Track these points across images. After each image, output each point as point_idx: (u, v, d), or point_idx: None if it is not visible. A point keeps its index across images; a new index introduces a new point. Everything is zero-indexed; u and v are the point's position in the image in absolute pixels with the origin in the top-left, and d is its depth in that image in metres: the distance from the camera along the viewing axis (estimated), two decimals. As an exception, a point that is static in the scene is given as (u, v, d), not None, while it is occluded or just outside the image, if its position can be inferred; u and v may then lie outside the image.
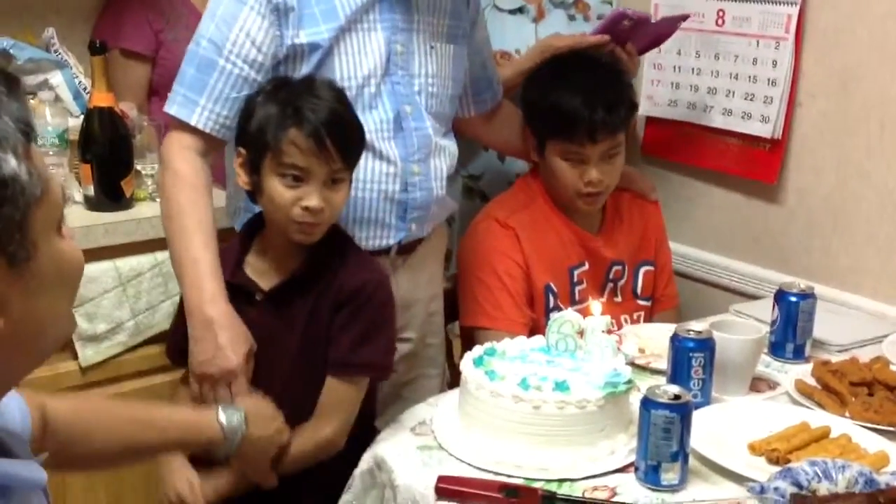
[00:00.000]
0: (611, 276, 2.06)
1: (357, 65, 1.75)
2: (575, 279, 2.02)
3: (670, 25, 2.19)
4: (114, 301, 1.99)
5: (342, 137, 1.57)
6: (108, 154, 2.06)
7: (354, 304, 1.64)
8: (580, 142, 1.91)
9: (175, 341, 1.74)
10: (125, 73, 2.48)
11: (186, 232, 1.67)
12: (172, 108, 1.74)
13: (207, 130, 1.71)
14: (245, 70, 1.70)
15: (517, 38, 2.17)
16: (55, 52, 2.29)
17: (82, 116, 2.11)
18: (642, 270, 2.10)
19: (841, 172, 2.14)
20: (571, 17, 2.28)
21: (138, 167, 2.14)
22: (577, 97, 1.89)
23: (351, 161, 1.62)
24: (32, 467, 0.91)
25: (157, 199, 2.10)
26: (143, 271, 2.03)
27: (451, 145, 1.91)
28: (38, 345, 0.90)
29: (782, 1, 2.17)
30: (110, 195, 2.07)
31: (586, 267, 2.02)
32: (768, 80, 2.21)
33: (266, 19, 1.69)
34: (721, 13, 2.28)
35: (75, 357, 1.99)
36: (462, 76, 1.94)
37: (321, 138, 1.54)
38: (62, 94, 2.23)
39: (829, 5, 2.11)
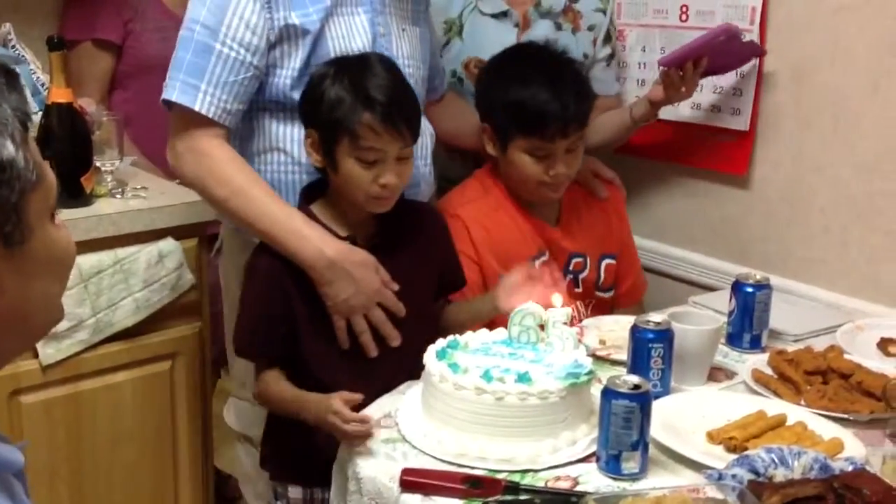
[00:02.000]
0: (571, 267, 2.06)
1: (348, 46, 1.78)
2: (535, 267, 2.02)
3: (752, 51, 2.15)
4: (74, 298, 1.97)
5: (410, 116, 1.68)
6: (68, 150, 2.04)
7: (443, 235, 1.85)
8: (550, 138, 1.90)
9: (253, 333, 1.72)
10: (92, 63, 2.49)
11: (262, 198, 1.71)
12: (173, 94, 1.73)
13: (212, 116, 1.72)
14: (242, 54, 1.72)
15: (498, 44, 2.13)
16: (12, 48, 2.26)
17: (40, 113, 2.09)
18: (604, 263, 2.11)
19: (797, 165, 2.18)
20: (558, 27, 2.23)
21: (97, 163, 2.12)
22: (545, 92, 1.88)
23: (416, 134, 1.71)
24: (10, 449, 0.93)
25: (120, 195, 2.12)
26: (104, 268, 2.02)
27: (427, 125, 1.95)
28: (28, 328, 0.93)
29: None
30: (70, 192, 2.04)
31: (546, 257, 2.03)
32: (737, 72, 2.24)
33: (258, 2, 1.71)
34: (685, 8, 2.31)
35: (36, 355, 1.97)
36: (429, 58, 1.98)
37: (393, 120, 1.64)
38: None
39: (789, -1, 2.15)
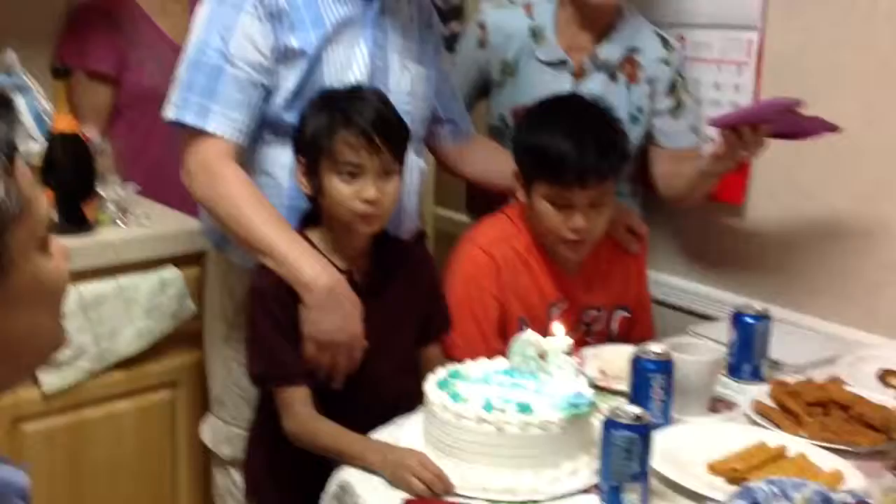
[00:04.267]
0: (586, 319, 2.03)
1: (344, 75, 1.80)
2: (552, 316, 1.98)
3: (823, 126, 1.98)
4: (76, 327, 1.97)
5: (389, 132, 1.69)
6: (70, 178, 2.05)
7: (429, 274, 1.87)
8: (568, 186, 1.86)
9: (270, 356, 1.70)
10: (89, 94, 2.47)
11: (267, 221, 1.71)
12: (187, 116, 1.75)
13: (225, 136, 1.75)
14: (252, 74, 1.75)
15: (550, 93, 2.07)
16: (15, 76, 2.28)
17: (44, 141, 2.11)
18: (618, 315, 2.07)
19: (793, 195, 2.19)
20: (613, 78, 2.20)
21: (100, 191, 2.13)
22: (567, 140, 1.84)
23: (399, 153, 1.72)
24: (13, 471, 0.92)
25: (122, 223, 2.13)
26: (106, 296, 2.02)
27: (421, 163, 1.97)
28: (17, 359, 0.91)
29: (743, 26, 2.23)
30: (72, 220, 2.06)
31: (565, 305, 2.00)
32: (731, 103, 2.26)
33: (263, 23, 1.75)
34: (682, 39, 2.33)
35: (37, 384, 1.97)
36: (432, 98, 1.99)
37: (369, 134, 1.66)
38: (23, 118, 2.22)
39: (785, 32, 2.17)
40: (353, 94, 1.73)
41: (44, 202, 0.90)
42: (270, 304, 1.69)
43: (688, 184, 2.16)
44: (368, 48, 1.84)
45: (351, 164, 1.66)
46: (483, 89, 2.35)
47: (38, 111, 2.26)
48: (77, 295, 1.99)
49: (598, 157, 1.84)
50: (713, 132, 2.08)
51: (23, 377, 0.95)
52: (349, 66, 1.82)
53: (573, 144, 1.83)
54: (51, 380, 1.98)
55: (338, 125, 1.66)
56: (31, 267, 0.88)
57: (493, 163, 2.13)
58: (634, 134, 2.19)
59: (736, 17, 2.24)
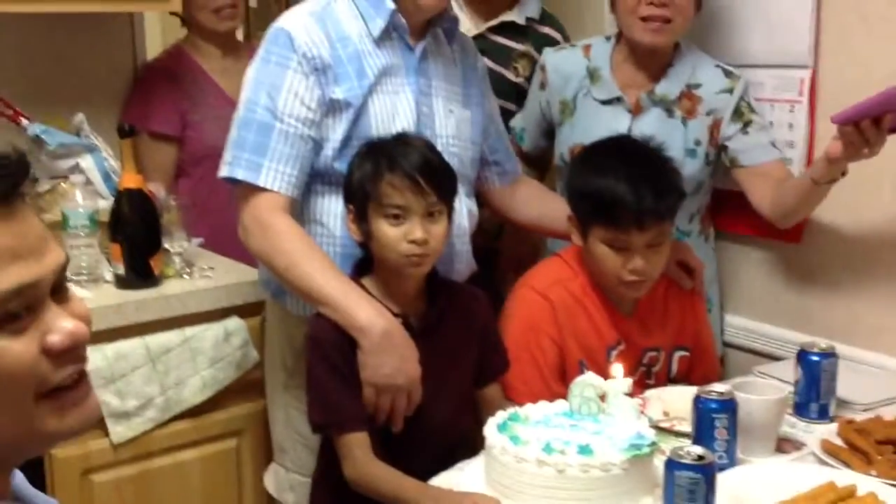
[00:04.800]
0: (644, 360, 2.01)
1: (390, 123, 1.84)
2: (611, 359, 1.96)
3: None
4: (143, 377, 2.02)
5: (433, 173, 1.72)
6: (138, 233, 2.11)
7: (486, 315, 1.87)
8: (626, 229, 1.85)
9: (328, 403, 1.73)
10: (153, 154, 2.56)
11: (322, 269, 1.75)
12: (238, 172, 1.80)
13: (276, 189, 1.79)
14: (300, 128, 1.80)
15: (608, 131, 2.10)
16: (85, 136, 2.36)
17: (112, 198, 2.17)
18: (677, 356, 2.05)
19: (859, 232, 2.16)
20: (670, 114, 2.21)
21: (166, 245, 2.19)
22: (623, 183, 1.84)
23: (445, 194, 1.74)
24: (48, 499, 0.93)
25: (188, 276, 2.19)
26: (172, 347, 2.07)
27: (472, 205, 1.99)
28: None
29: (795, 65, 2.22)
30: (140, 273, 2.11)
31: (623, 346, 1.98)
32: (786, 142, 2.25)
33: (309, 78, 1.80)
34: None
35: (106, 434, 2.02)
36: (479, 140, 2.02)
37: (413, 176, 1.69)
38: (92, 177, 2.30)
39: (839, 68, 2.15)
40: (398, 140, 1.77)
41: (11, 276, 0.83)
42: (328, 350, 1.71)
43: (797, 197, 2.08)
44: (413, 95, 1.88)
45: (396, 206, 1.69)
46: (549, 130, 2.39)
47: (106, 170, 2.33)
48: (144, 346, 2.04)
49: (655, 198, 1.84)
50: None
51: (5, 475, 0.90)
52: (395, 113, 1.85)
53: (629, 188, 1.83)
54: (119, 430, 2.02)
55: (383, 169, 1.70)
56: None
57: (543, 206, 2.14)
58: (691, 168, 2.19)
59: (787, 56, 2.24)
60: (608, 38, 2.30)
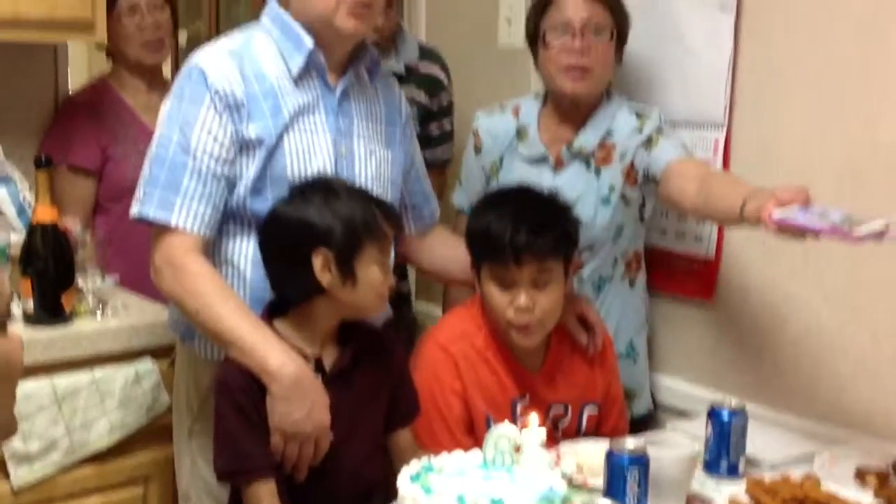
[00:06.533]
0: (551, 415, 2.02)
1: (307, 163, 1.83)
2: (518, 412, 1.98)
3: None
4: (49, 419, 1.96)
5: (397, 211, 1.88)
6: (49, 269, 2.06)
7: (399, 360, 1.88)
8: (505, 264, 1.91)
9: (235, 449, 1.69)
10: (71, 188, 2.51)
11: (234, 312, 1.73)
12: (150, 210, 1.77)
13: (189, 229, 1.76)
14: (213, 166, 1.78)
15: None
16: (0, 167, 2.31)
17: (25, 231, 2.12)
18: (586, 411, 2.06)
19: (766, 294, 2.21)
20: (587, 166, 2.24)
21: (79, 282, 2.14)
22: (504, 220, 1.91)
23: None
24: None
25: (100, 315, 2.14)
26: (80, 388, 2.01)
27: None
28: None
29: (709, 125, 2.28)
30: (49, 310, 2.06)
31: (527, 400, 2.00)
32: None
33: (222, 116, 1.78)
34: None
35: (7, 478, 1.94)
36: (399, 181, 2.02)
37: (398, 219, 1.83)
38: (5, 209, 2.25)
39: (752, 129, 2.21)
40: (338, 185, 1.76)
41: (5, 285, 0.92)
42: (236, 395, 1.69)
43: (717, 213, 1.98)
44: (331, 135, 1.87)
45: (390, 249, 1.77)
46: None
47: (21, 203, 2.28)
48: (51, 386, 1.98)
49: (531, 234, 1.89)
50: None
51: None
52: (311, 153, 1.84)
53: (508, 224, 1.90)
54: (21, 474, 1.95)
55: (375, 210, 1.73)
56: None
57: (450, 251, 2.12)
58: (605, 214, 2.21)
59: (703, 116, 2.30)
60: (537, 97, 2.34)
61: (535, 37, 2.24)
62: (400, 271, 2.46)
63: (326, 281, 1.72)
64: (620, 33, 2.22)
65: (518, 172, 2.26)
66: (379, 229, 1.72)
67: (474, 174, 2.38)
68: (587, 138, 2.25)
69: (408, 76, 2.53)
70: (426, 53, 2.62)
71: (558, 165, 2.26)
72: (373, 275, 1.72)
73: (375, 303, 1.76)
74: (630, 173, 2.23)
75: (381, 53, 2.40)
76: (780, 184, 1.90)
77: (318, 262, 1.71)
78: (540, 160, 2.27)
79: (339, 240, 1.70)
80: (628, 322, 2.31)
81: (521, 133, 2.30)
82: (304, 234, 1.73)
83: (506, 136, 2.32)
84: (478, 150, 2.37)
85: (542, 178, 2.23)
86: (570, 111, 2.26)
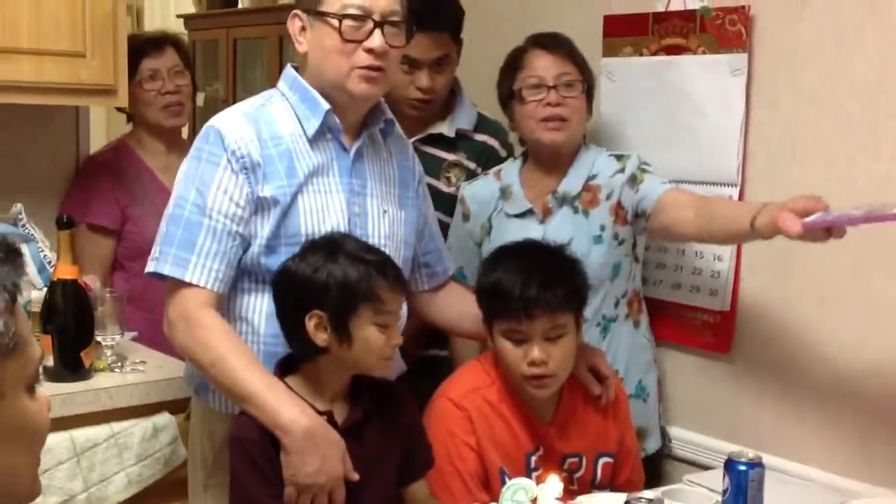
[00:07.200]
0: (565, 466, 2.01)
1: (320, 222, 1.86)
2: (532, 465, 1.99)
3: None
4: (67, 473, 1.96)
5: (401, 274, 1.85)
6: (69, 325, 2.09)
7: (410, 413, 1.89)
8: (517, 319, 1.91)
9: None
10: (90, 246, 2.55)
11: (247, 367, 1.75)
12: (165, 267, 1.80)
13: (203, 285, 1.79)
14: (228, 225, 1.81)
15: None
16: (22, 226, 2.35)
17: (45, 289, 2.15)
18: (601, 462, 2.06)
19: (783, 344, 2.22)
20: (575, 210, 2.28)
21: (98, 338, 2.16)
22: (513, 274, 1.92)
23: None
24: None
25: (118, 370, 2.16)
26: (99, 442, 2.02)
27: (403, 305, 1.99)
28: None
29: (723, 183, 2.30)
30: (69, 366, 2.08)
31: (541, 452, 2.00)
32: (714, 255, 2.32)
33: (238, 176, 1.81)
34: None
35: (23, 532, 1.94)
36: (413, 241, 2.04)
37: (400, 279, 1.81)
38: (27, 267, 2.28)
39: (767, 186, 2.23)
40: (343, 242, 1.78)
41: (37, 348, 0.95)
42: (250, 450, 1.70)
43: (727, 231, 2.02)
44: (345, 195, 1.90)
45: (391, 312, 1.76)
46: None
47: (41, 261, 2.32)
48: (69, 440, 1.99)
49: (542, 288, 1.91)
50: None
51: None
52: (325, 212, 1.87)
53: (518, 278, 1.92)
54: (38, 529, 1.95)
55: (375, 273, 1.73)
56: (18, 403, 0.92)
57: (462, 306, 2.12)
58: (599, 253, 2.24)
59: (715, 175, 2.32)
60: (516, 158, 2.40)
61: (508, 97, 2.30)
62: (437, 337, 2.45)
63: (321, 341, 1.74)
64: (590, 87, 2.30)
65: (507, 230, 2.29)
66: (373, 292, 1.72)
67: (461, 242, 2.41)
68: (571, 182, 2.29)
69: (457, 141, 2.53)
70: (485, 125, 2.58)
71: (545, 215, 2.30)
72: (370, 335, 1.73)
73: (378, 363, 1.77)
74: (619, 212, 2.26)
75: (431, 115, 2.49)
76: (796, 241, 1.90)
77: (311, 323, 1.73)
78: (526, 214, 2.31)
79: (334, 302, 1.72)
80: (636, 362, 2.32)
81: (504, 193, 2.35)
82: (301, 294, 1.76)
83: (491, 198, 2.36)
84: (466, 217, 2.41)
85: (530, 231, 2.26)
86: (552, 161, 2.31)
